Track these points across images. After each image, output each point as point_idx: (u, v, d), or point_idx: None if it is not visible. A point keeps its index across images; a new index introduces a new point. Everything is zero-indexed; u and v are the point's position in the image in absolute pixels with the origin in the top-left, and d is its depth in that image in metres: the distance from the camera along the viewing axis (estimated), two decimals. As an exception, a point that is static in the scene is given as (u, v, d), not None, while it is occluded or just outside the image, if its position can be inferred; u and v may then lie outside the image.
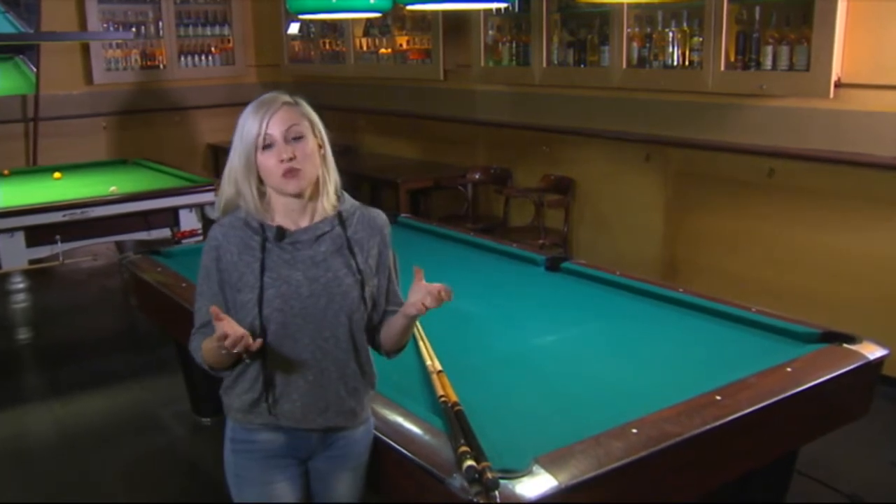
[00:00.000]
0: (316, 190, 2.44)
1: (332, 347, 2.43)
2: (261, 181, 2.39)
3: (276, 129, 2.34)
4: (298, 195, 2.40)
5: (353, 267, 2.45)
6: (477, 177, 7.54)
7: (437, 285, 2.36)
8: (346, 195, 2.56)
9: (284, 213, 2.44)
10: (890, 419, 4.64)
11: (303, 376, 2.42)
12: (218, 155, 10.00)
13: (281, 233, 2.41)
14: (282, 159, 2.33)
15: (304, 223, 2.44)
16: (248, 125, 2.35)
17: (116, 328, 6.78)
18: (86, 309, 7.15)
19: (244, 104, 2.43)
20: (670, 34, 5.88)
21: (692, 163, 5.95)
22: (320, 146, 2.43)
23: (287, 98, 2.40)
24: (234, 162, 2.38)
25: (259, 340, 2.28)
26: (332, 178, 2.48)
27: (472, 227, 6.48)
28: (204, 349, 2.40)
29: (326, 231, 2.45)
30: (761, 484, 3.27)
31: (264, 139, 2.34)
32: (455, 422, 2.49)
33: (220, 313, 2.21)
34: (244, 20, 10.53)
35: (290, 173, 2.34)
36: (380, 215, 2.58)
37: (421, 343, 3.26)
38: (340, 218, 2.48)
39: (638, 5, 6.07)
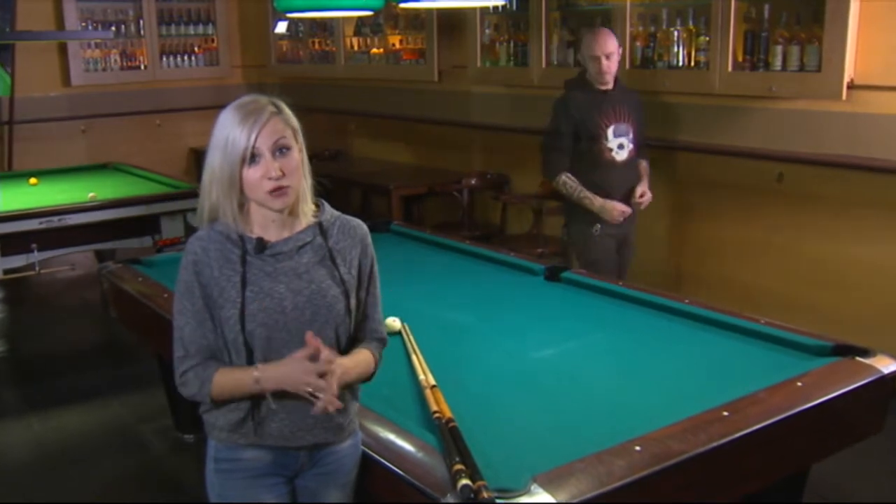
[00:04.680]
0: (296, 199, 2.44)
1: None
2: (241, 192, 2.38)
3: (263, 143, 2.31)
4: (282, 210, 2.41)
5: (336, 278, 2.45)
6: (473, 182, 7.54)
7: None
8: (326, 204, 2.55)
9: (264, 224, 2.43)
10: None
11: (290, 393, 2.42)
12: (201, 159, 9.93)
13: (261, 245, 2.40)
14: (270, 176, 2.32)
15: (285, 234, 2.44)
16: (234, 137, 2.31)
17: (95, 341, 6.77)
18: (63, 321, 7.14)
19: (229, 106, 2.41)
20: (675, 33, 5.90)
21: (698, 167, 5.96)
22: (299, 151, 2.42)
23: (272, 106, 2.36)
24: (216, 173, 2.36)
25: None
26: (310, 184, 2.48)
27: (468, 234, 6.48)
28: (223, 383, 2.38)
29: (308, 241, 2.45)
30: (771, 504, 3.27)
31: (252, 153, 2.31)
32: (449, 439, 2.48)
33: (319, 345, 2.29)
34: (229, 19, 10.53)
35: (279, 191, 2.34)
36: (360, 225, 2.58)
37: (414, 357, 3.26)
38: (321, 228, 2.49)
39: (642, 3, 6.09)
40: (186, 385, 2.42)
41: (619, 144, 5.26)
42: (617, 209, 5.21)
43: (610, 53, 5.20)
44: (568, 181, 5.26)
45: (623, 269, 5.47)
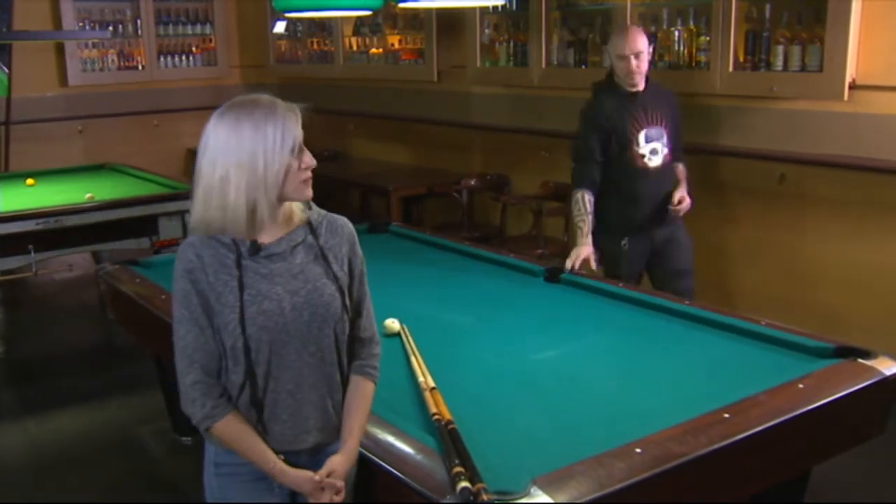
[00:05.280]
0: None
1: (318, 362, 2.44)
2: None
3: (300, 135, 2.37)
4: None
5: (331, 275, 2.47)
6: (472, 183, 7.54)
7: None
8: (313, 203, 2.57)
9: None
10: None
11: (291, 395, 2.42)
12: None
13: (256, 246, 2.39)
14: (308, 166, 2.37)
15: (277, 234, 2.44)
16: (287, 130, 2.32)
17: (93, 342, 6.77)
18: (60, 322, 7.14)
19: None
20: (676, 33, 5.90)
21: (698, 168, 5.94)
22: None
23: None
24: (260, 173, 2.31)
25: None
26: None
27: (468, 236, 6.48)
28: (230, 436, 2.40)
29: (300, 241, 2.46)
30: (772, 506, 3.27)
31: (300, 146, 2.36)
32: (449, 441, 2.49)
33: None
34: (227, 18, 10.55)
35: (308, 181, 2.39)
36: (347, 223, 2.59)
37: (413, 359, 3.26)
38: (311, 227, 2.50)
39: (642, 3, 6.09)
40: (193, 404, 2.38)
41: (651, 150, 4.90)
42: (576, 258, 4.62)
43: (639, 52, 4.82)
44: (579, 202, 4.87)
45: (671, 281, 5.05)
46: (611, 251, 4.99)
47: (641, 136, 4.88)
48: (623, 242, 4.97)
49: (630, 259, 5.01)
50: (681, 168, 5.12)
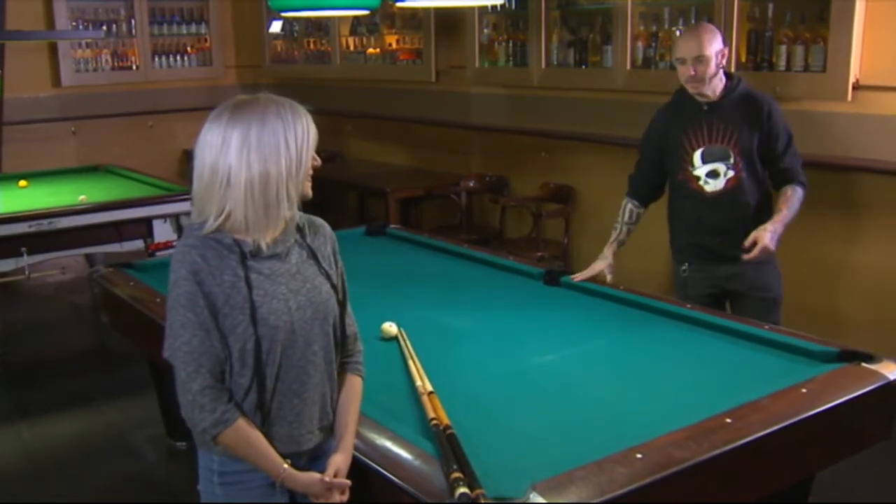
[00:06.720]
0: None
1: (320, 360, 2.46)
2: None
3: None
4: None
5: (324, 274, 2.50)
6: (471, 185, 7.55)
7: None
8: None
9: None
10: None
11: (297, 394, 2.43)
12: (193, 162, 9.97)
13: (259, 248, 2.39)
14: (318, 163, 2.44)
15: (274, 235, 2.43)
16: (313, 129, 2.41)
17: (86, 346, 6.76)
18: (53, 326, 7.15)
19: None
20: (678, 33, 5.90)
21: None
22: None
23: None
24: (293, 171, 2.35)
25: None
26: None
27: (466, 238, 6.47)
28: (236, 442, 2.37)
29: (292, 241, 2.48)
30: (775, 513, 3.26)
31: None
32: (447, 446, 2.48)
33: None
34: (222, 18, 10.55)
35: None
36: (325, 223, 2.63)
37: (411, 362, 3.25)
38: (298, 227, 2.51)
39: (643, 2, 6.09)
40: (202, 410, 2.34)
41: (709, 172, 4.24)
42: (585, 273, 4.32)
43: (699, 56, 4.08)
44: (621, 210, 4.58)
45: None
46: (675, 274, 4.58)
47: (697, 156, 4.26)
48: (683, 268, 4.47)
49: (691, 290, 4.43)
50: (788, 194, 4.27)
